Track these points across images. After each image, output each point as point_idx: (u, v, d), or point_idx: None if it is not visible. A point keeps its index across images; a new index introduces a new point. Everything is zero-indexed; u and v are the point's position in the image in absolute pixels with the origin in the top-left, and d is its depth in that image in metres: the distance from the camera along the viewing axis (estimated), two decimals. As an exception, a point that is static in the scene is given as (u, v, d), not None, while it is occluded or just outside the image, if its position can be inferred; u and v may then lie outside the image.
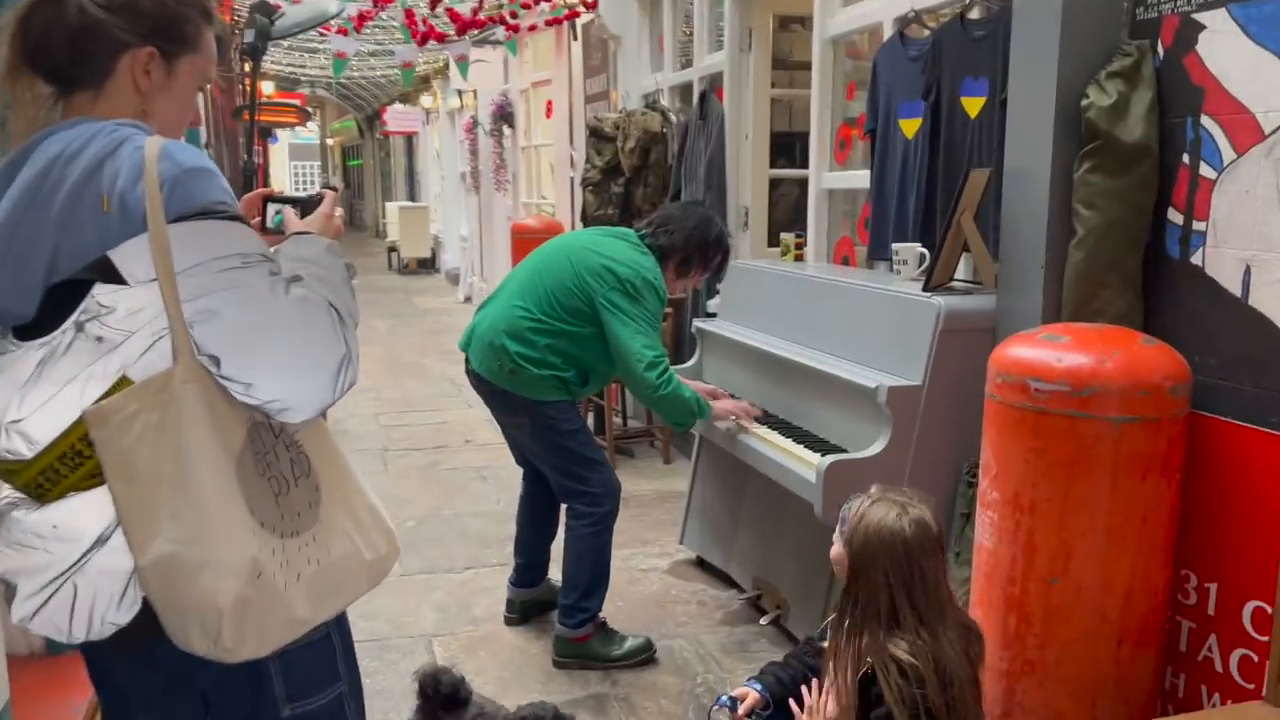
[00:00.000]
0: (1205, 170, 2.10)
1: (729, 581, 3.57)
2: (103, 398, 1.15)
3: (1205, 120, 2.09)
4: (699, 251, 2.99)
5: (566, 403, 2.95)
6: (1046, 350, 2.02)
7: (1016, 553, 2.08)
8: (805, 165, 5.16)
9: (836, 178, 3.81)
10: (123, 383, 1.16)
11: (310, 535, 1.29)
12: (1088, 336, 2.04)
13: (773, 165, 4.81)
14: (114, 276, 1.17)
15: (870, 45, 4.07)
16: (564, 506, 3.12)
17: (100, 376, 1.16)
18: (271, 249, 1.33)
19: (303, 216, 1.55)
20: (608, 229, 3.23)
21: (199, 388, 1.18)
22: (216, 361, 1.17)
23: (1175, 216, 2.18)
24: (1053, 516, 2.02)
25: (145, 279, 1.16)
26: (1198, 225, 2.13)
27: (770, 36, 4.58)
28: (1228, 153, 2.04)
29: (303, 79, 16.14)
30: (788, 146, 5.24)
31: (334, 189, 1.56)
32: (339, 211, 1.55)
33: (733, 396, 3.17)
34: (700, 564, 3.77)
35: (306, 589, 1.26)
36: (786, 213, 5.13)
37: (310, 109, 24.16)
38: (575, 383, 2.94)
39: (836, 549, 1.90)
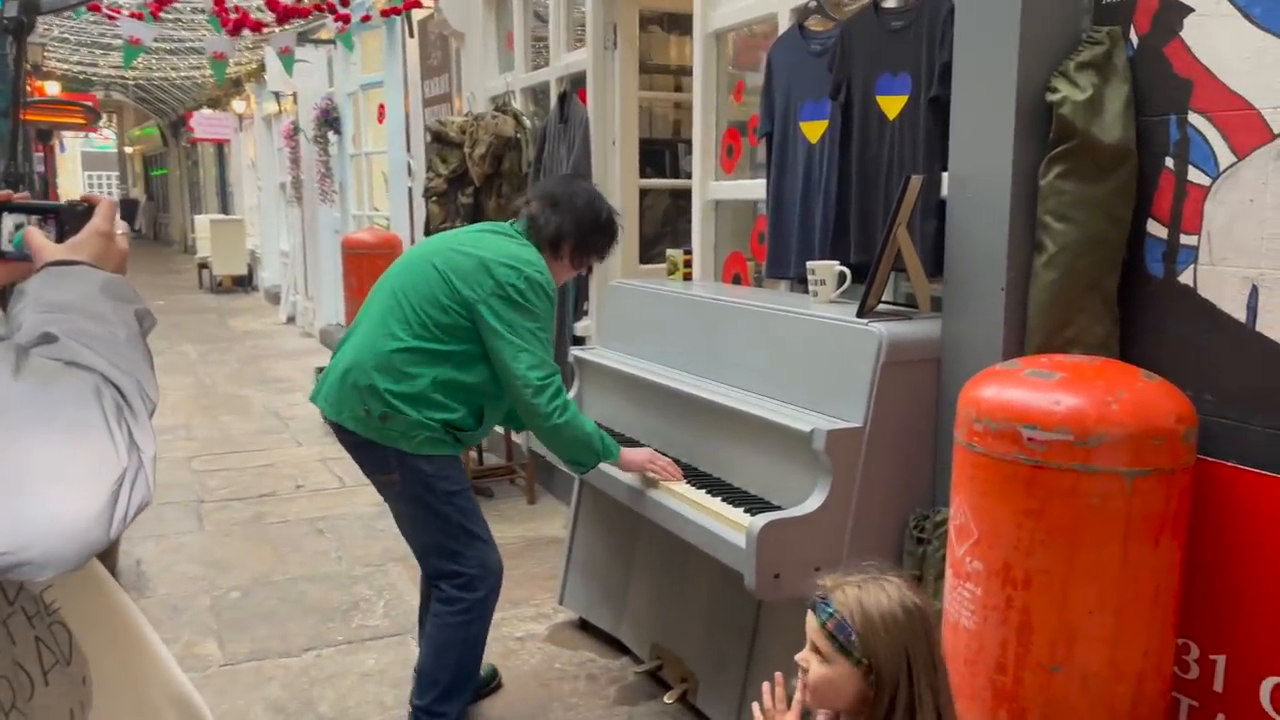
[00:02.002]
0: (1195, 175, 1.82)
1: (620, 647, 3.12)
2: None
3: (1194, 118, 1.81)
4: (592, 235, 2.54)
5: (449, 458, 2.43)
6: (1039, 391, 1.68)
7: (1008, 635, 1.72)
8: (674, 174, 4.83)
9: (724, 187, 3.43)
10: None
11: None
12: (1083, 372, 1.71)
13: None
14: None
15: (740, 47, 3.74)
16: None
17: None
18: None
19: (61, 236, 1.01)
20: (478, 224, 2.70)
21: None
22: None
23: (1157, 229, 1.90)
24: (1053, 592, 1.67)
25: None
26: (1186, 239, 1.84)
27: (636, 34, 4.17)
28: (1225, 155, 1.76)
29: (95, 79, 14.68)
30: (652, 154, 4.86)
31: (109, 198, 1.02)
32: (121, 228, 1.03)
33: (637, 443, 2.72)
34: (584, 627, 3.30)
35: None
36: (655, 226, 4.75)
37: (104, 113, 22.21)
38: (466, 424, 2.42)
39: (829, 671, 1.43)
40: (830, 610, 1.43)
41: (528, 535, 4.20)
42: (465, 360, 2.36)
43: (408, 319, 2.37)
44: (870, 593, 1.45)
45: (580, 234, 2.52)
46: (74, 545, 0.75)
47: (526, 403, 2.34)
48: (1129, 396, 1.65)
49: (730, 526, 2.22)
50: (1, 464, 0.73)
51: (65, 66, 13.05)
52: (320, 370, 2.95)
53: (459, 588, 2.43)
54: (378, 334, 2.39)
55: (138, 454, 0.81)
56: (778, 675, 1.57)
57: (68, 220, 1.02)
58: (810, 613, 1.47)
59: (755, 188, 3.19)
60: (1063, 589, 1.66)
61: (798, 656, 1.48)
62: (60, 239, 1.01)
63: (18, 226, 1.01)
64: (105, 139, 30.24)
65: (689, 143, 4.33)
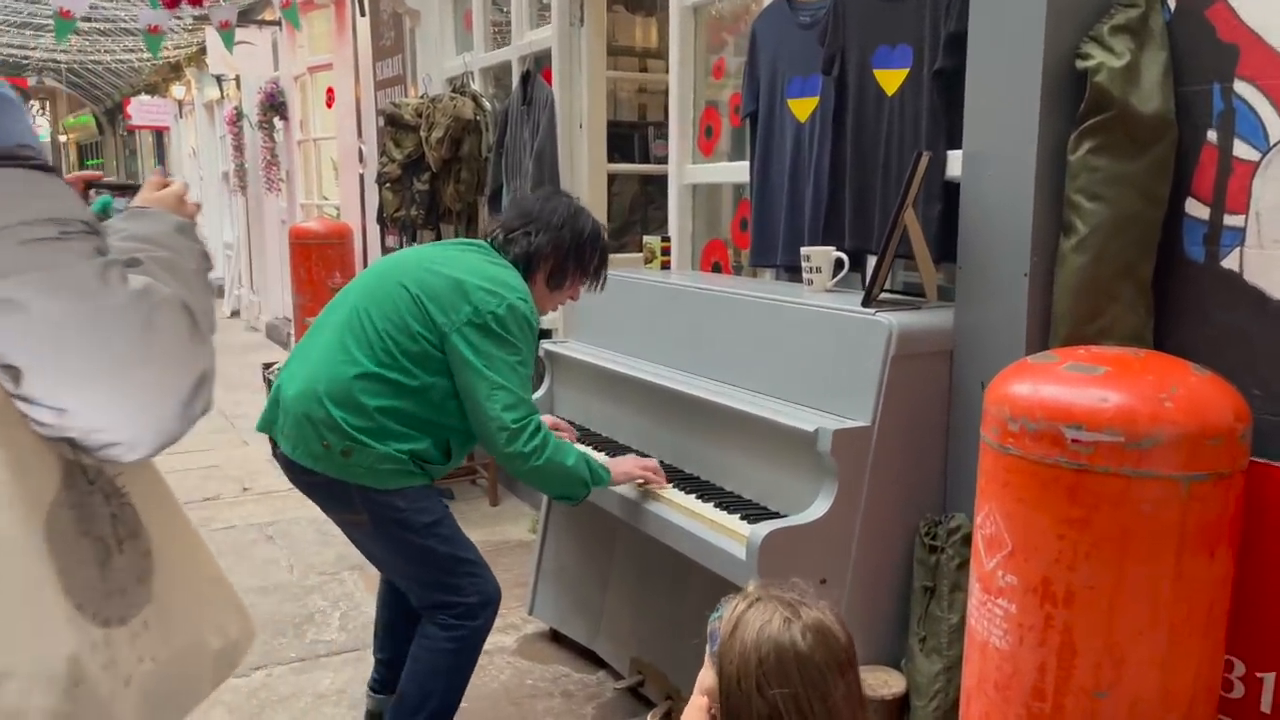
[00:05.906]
0: (1242, 150, 1.66)
1: (596, 661, 2.92)
2: None
3: (1240, 87, 1.65)
4: (574, 254, 2.27)
5: (421, 488, 2.15)
6: (1082, 387, 1.51)
7: (1047, 658, 1.56)
8: (643, 159, 4.64)
9: (703, 170, 3.24)
10: None
11: (141, 621, 0.94)
12: (1129, 365, 1.55)
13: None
14: None
15: (713, 25, 3.55)
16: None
17: None
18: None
19: None
20: (454, 240, 2.42)
21: None
22: (16, 375, 0.83)
23: (1198, 209, 1.74)
24: (1099, 610, 1.51)
25: None
26: (1231, 220, 1.69)
27: (604, 9, 3.96)
28: (1276, 128, 1.61)
29: (27, 64, 14.07)
30: (620, 139, 4.66)
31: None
32: (192, 197, 1.15)
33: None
34: (556, 638, 3.10)
35: (138, 698, 0.92)
36: (622, 213, 4.55)
37: (37, 100, 21.44)
38: (432, 457, 2.15)
39: (708, 677, 1.32)
40: (720, 610, 1.33)
41: (491, 539, 3.98)
42: (433, 395, 2.10)
43: (370, 343, 2.09)
44: (759, 610, 1.29)
45: (561, 252, 2.26)
46: (158, 434, 0.90)
47: (500, 448, 2.07)
48: (1183, 393, 1.48)
49: (727, 535, 2.03)
50: (104, 363, 0.84)
51: (-6, 49, 12.46)
52: (267, 367, 2.70)
53: (457, 617, 2.19)
54: (334, 358, 2.10)
55: (208, 365, 0.93)
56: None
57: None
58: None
59: (737, 170, 3.00)
60: (1109, 606, 1.50)
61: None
62: None
63: (99, 193, 1.16)
64: (38, 128, 29.25)
65: (659, 126, 4.13)
